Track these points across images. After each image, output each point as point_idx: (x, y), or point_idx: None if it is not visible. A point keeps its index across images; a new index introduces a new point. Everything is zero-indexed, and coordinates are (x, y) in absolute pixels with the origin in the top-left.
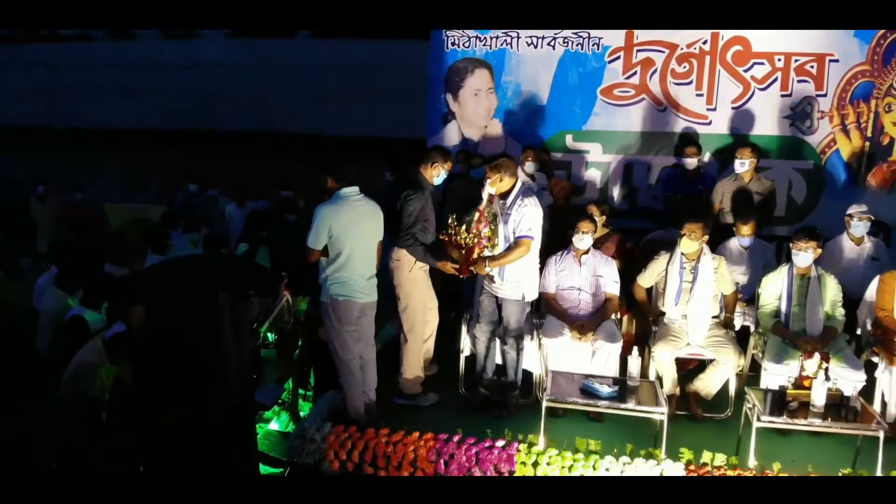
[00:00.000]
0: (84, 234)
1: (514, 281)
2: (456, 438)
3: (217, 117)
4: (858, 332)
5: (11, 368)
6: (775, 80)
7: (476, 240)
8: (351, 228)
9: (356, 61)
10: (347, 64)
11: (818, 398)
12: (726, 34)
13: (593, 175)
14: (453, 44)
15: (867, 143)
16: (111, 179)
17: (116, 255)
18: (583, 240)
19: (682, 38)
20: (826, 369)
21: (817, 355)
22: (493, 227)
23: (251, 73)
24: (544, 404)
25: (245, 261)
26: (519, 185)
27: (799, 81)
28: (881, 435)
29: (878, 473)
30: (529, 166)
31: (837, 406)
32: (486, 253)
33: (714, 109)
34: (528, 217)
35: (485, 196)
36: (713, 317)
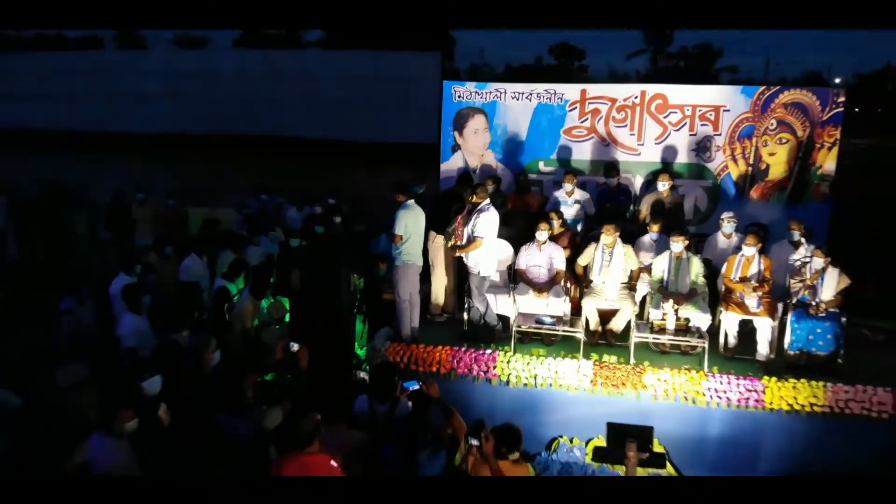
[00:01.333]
0: (174, 232)
1: (474, 262)
2: (462, 349)
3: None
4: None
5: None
6: (685, 123)
7: (455, 232)
8: (414, 223)
9: (362, 71)
10: (353, 73)
11: (670, 325)
12: (650, 91)
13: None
14: (459, 96)
15: (750, 168)
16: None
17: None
18: (542, 234)
19: (620, 93)
20: (676, 310)
21: (672, 300)
22: (463, 229)
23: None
24: (513, 330)
25: (349, 245)
26: (485, 202)
27: (702, 125)
28: (705, 344)
29: (705, 369)
30: (568, 186)
31: (684, 331)
32: (459, 244)
33: (643, 145)
34: (482, 223)
35: (466, 208)
36: (622, 283)
